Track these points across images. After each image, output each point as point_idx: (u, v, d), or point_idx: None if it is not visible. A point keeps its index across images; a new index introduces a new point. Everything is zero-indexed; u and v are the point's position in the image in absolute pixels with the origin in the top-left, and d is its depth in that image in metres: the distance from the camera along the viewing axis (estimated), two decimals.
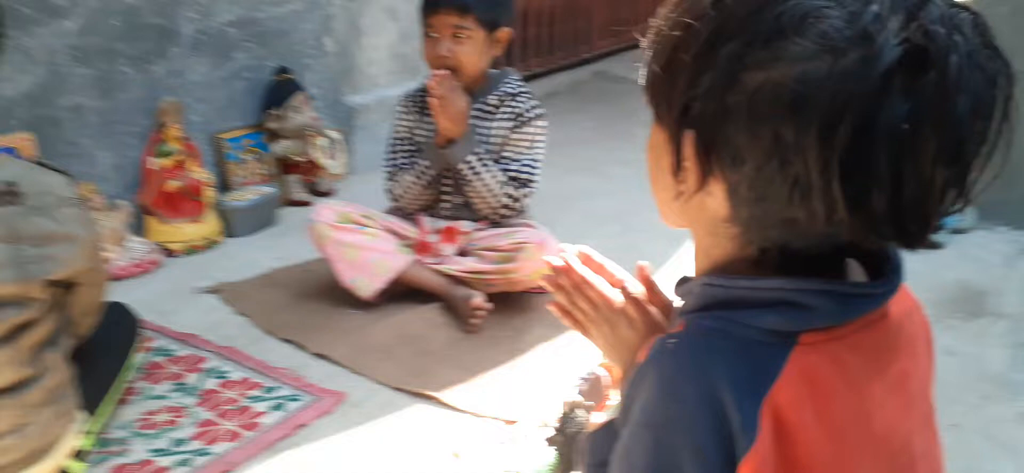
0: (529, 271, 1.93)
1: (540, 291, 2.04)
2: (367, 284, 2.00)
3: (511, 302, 2.01)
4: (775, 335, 0.60)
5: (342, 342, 1.87)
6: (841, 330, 0.61)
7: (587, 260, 0.99)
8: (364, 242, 2.01)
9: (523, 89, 2.09)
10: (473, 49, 1.97)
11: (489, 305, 1.93)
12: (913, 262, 2.09)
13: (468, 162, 1.97)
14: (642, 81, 0.66)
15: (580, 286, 0.95)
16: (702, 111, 0.57)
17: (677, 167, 0.61)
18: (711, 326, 0.63)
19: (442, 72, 1.94)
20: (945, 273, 2.03)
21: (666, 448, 0.61)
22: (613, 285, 0.95)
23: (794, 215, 0.57)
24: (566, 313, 0.98)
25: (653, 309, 0.91)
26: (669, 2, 0.63)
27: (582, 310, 0.95)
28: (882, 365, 0.64)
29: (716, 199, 0.60)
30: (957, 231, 2.24)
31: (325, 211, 2.05)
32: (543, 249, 1.92)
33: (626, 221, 2.55)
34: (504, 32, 2.03)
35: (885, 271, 0.64)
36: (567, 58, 4.57)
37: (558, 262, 0.98)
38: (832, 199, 0.54)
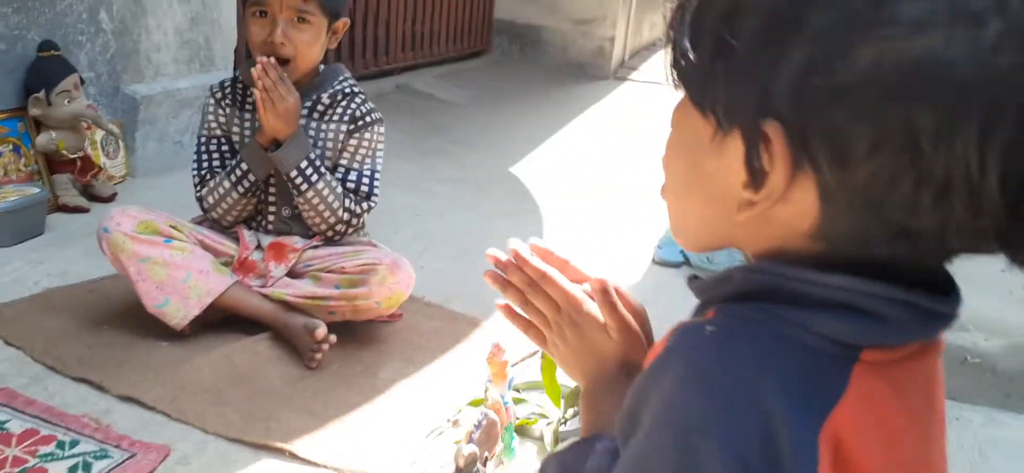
0: (380, 297, 1.71)
1: (389, 319, 1.85)
2: (179, 309, 1.67)
3: (357, 332, 1.78)
4: (836, 345, 0.49)
5: (155, 381, 1.54)
6: (901, 351, 0.51)
7: (546, 255, 0.82)
8: (174, 258, 1.68)
9: (358, 90, 1.88)
10: (313, 37, 1.72)
11: (332, 337, 1.68)
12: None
13: (301, 168, 1.71)
14: (671, 70, 0.54)
15: (538, 283, 0.78)
16: (795, 97, 0.45)
17: (752, 170, 0.49)
18: (759, 318, 0.50)
19: (266, 59, 1.66)
20: None
21: (693, 454, 0.48)
22: (578, 282, 0.79)
23: (918, 224, 0.46)
24: (517, 317, 0.82)
25: (627, 314, 0.77)
26: None
27: (539, 314, 0.79)
28: (931, 399, 0.56)
29: (798, 207, 0.49)
30: None
31: (123, 218, 1.69)
32: (397, 273, 1.73)
33: (460, 242, 2.42)
34: (342, 23, 1.81)
35: (949, 288, 0.53)
36: (367, 68, 4.35)
37: (504, 256, 0.80)
38: (984, 202, 0.44)
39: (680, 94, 0.58)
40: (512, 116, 4.33)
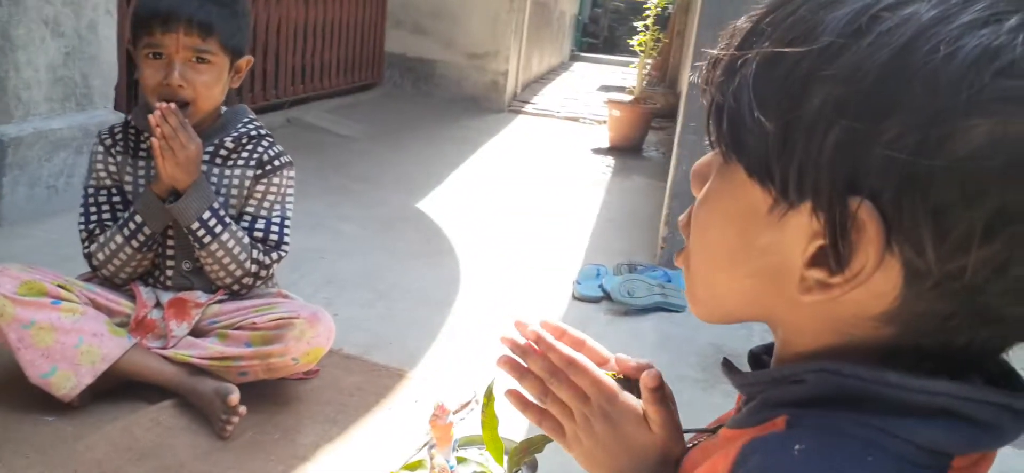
0: (298, 354, 1.58)
1: (305, 376, 1.72)
2: (69, 378, 1.49)
3: (269, 392, 1.64)
4: (930, 455, 0.45)
5: (42, 465, 1.35)
6: (978, 455, 0.48)
7: (560, 335, 0.75)
8: (62, 322, 1.50)
9: (264, 131, 1.75)
10: (214, 79, 1.58)
11: (242, 408, 1.53)
12: (667, 325, 2.17)
13: (203, 220, 1.57)
14: (718, 133, 0.49)
15: (562, 370, 0.71)
16: (894, 176, 0.41)
17: (834, 251, 0.45)
18: (853, 432, 0.46)
19: (166, 104, 1.51)
20: (698, 336, 2.16)
21: None
22: (600, 366, 0.72)
23: (1018, 312, 0.44)
24: (530, 406, 0.74)
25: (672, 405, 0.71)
26: (768, 20, 0.47)
27: (560, 403, 0.71)
28: None
29: (876, 290, 0.44)
30: None
31: (2, 279, 1.50)
32: (316, 326, 1.60)
33: (374, 286, 2.31)
34: (246, 60, 1.68)
35: (1014, 381, 0.50)
36: (256, 102, 4.16)
37: (522, 338, 0.73)
38: None
39: (707, 153, 0.54)
40: (412, 150, 4.25)
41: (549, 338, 0.72)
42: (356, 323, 2.04)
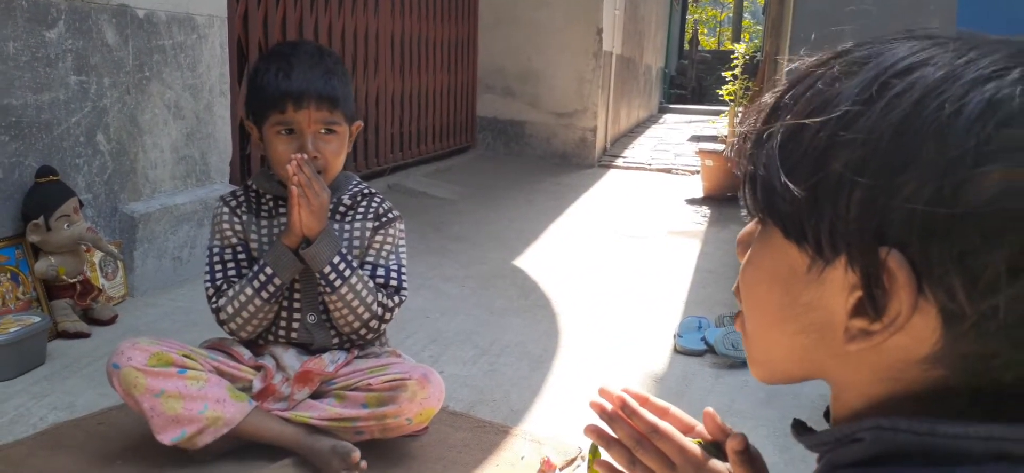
0: (411, 414, 1.63)
1: (413, 434, 1.76)
2: (195, 442, 1.58)
3: (381, 451, 1.69)
4: None
5: None
6: None
7: (644, 402, 0.78)
8: (189, 389, 1.59)
9: (374, 190, 1.85)
10: (340, 146, 1.69)
11: (363, 463, 1.59)
12: None
13: (334, 264, 1.65)
14: (753, 200, 0.53)
15: (648, 437, 0.75)
16: (916, 226, 0.44)
17: (870, 301, 0.47)
18: None
19: (301, 155, 1.60)
20: (805, 387, 2.10)
21: None
22: (685, 433, 0.77)
23: None
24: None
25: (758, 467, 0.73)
26: (790, 95, 0.51)
27: (648, 469, 0.75)
28: None
29: (917, 334, 0.46)
30: None
31: (133, 352, 1.60)
32: (426, 387, 1.65)
33: (476, 343, 2.35)
34: (357, 125, 1.78)
35: None
36: (359, 170, 4.35)
37: (608, 405, 0.77)
38: None
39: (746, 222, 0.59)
40: (506, 209, 4.33)
41: (633, 404, 0.76)
42: (460, 380, 2.08)
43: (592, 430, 0.79)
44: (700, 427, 0.78)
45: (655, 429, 0.75)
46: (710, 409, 0.78)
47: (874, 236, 0.45)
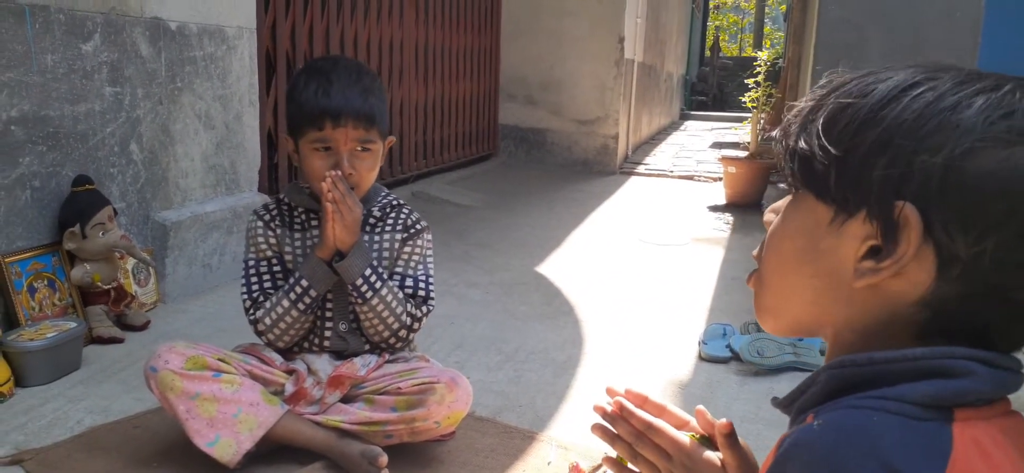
0: (440, 417, 1.65)
1: (441, 438, 1.78)
2: (230, 446, 1.60)
3: (409, 455, 1.72)
4: (929, 409, 0.56)
5: None
6: (989, 410, 0.58)
7: (643, 402, 0.89)
8: (224, 393, 1.63)
9: (402, 202, 1.88)
10: (375, 163, 1.73)
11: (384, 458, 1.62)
12: None
13: (366, 276, 1.68)
14: (791, 168, 0.65)
15: (645, 434, 0.86)
16: (931, 185, 0.56)
17: (884, 246, 0.58)
18: (859, 404, 0.57)
19: (335, 172, 1.64)
20: None
21: None
22: (679, 428, 0.88)
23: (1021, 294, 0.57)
24: (623, 469, 0.89)
25: (746, 448, 0.84)
26: (837, 90, 0.63)
27: (648, 463, 0.86)
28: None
29: (913, 278, 0.58)
30: (823, 352, 2.35)
31: (170, 355, 1.64)
32: (455, 390, 1.67)
33: (501, 348, 2.37)
34: (390, 140, 1.82)
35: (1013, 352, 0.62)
36: (383, 178, 4.39)
37: (609, 406, 0.90)
38: None
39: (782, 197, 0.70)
40: (529, 216, 4.35)
41: (630, 406, 0.87)
42: (486, 385, 2.11)
43: (596, 428, 0.90)
44: (694, 423, 0.88)
45: (650, 426, 0.85)
46: (701, 407, 0.88)
47: (894, 191, 0.57)
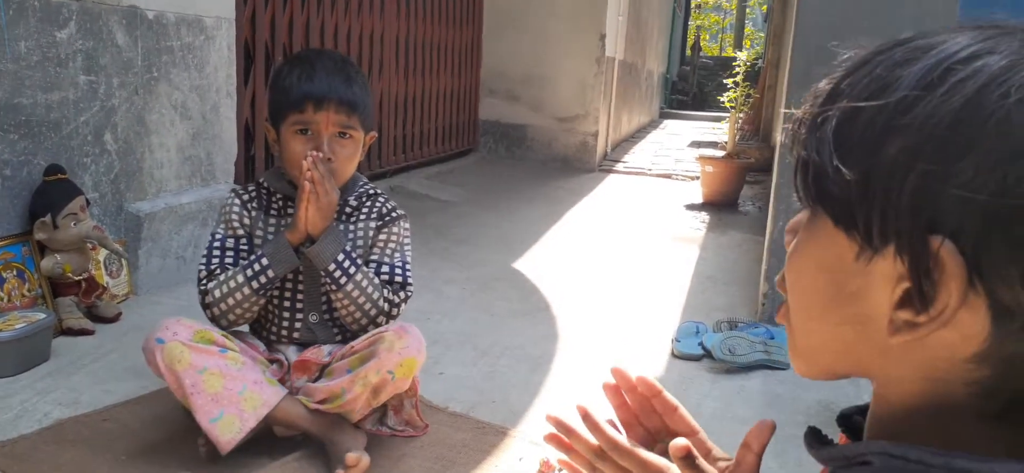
0: (392, 365, 1.61)
1: (414, 434, 1.79)
2: (233, 423, 1.57)
3: (382, 450, 1.72)
4: None
5: None
6: None
7: (656, 395, 0.77)
8: (229, 369, 1.60)
9: (379, 191, 1.88)
10: (354, 151, 1.73)
11: (365, 457, 1.62)
12: (772, 383, 2.13)
13: (338, 262, 1.67)
14: (804, 187, 0.51)
15: (612, 454, 0.72)
16: (973, 216, 0.43)
17: (918, 291, 0.45)
18: None
19: (316, 153, 1.64)
20: (805, 394, 2.13)
21: None
22: (688, 436, 0.74)
23: None
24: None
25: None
26: (847, 81, 0.50)
27: None
28: None
29: (964, 331, 0.45)
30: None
31: (178, 328, 1.61)
32: (404, 336, 1.65)
33: (477, 344, 2.38)
34: (371, 135, 1.82)
35: None
36: (362, 171, 4.37)
37: (553, 427, 0.76)
38: None
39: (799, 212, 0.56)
40: (507, 212, 4.36)
41: (596, 419, 0.74)
42: (461, 381, 2.11)
43: (551, 437, 0.77)
44: (703, 435, 0.77)
45: (615, 446, 0.72)
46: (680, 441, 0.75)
47: (926, 225, 0.44)
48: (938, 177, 0.43)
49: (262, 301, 1.73)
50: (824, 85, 0.52)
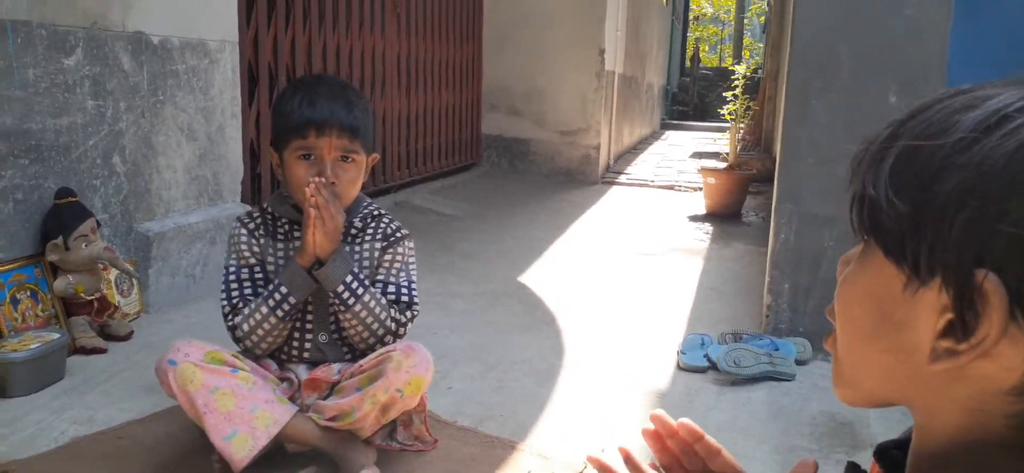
0: (400, 383, 1.64)
1: (423, 449, 1.81)
2: (246, 441, 1.59)
3: (390, 466, 1.74)
4: None
5: None
6: None
7: (698, 440, 0.77)
8: (241, 388, 1.63)
9: (383, 211, 1.91)
10: (357, 175, 1.76)
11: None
12: (777, 395, 2.14)
13: (346, 283, 1.71)
14: (859, 218, 0.54)
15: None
16: (1017, 251, 0.45)
17: (962, 321, 0.47)
18: None
19: (320, 179, 1.67)
20: (809, 405, 2.14)
21: None
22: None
23: None
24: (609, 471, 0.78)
25: None
26: (908, 124, 0.53)
27: None
28: None
29: (1005, 363, 0.47)
30: (799, 362, 2.39)
31: (189, 349, 1.64)
32: (411, 355, 1.67)
33: (483, 359, 2.40)
34: (373, 157, 1.85)
35: None
36: (365, 188, 4.41)
37: (595, 470, 0.78)
38: None
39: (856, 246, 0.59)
40: (511, 226, 4.38)
41: (637, 462, 0.76)
42: (468, 395, 2.13)
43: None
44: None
45: None
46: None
47: (974, 259, 0.46)
48: (988, 214, 0.45)
49: (288, 326, 1.77)
50: (884, 129, 0.55)
